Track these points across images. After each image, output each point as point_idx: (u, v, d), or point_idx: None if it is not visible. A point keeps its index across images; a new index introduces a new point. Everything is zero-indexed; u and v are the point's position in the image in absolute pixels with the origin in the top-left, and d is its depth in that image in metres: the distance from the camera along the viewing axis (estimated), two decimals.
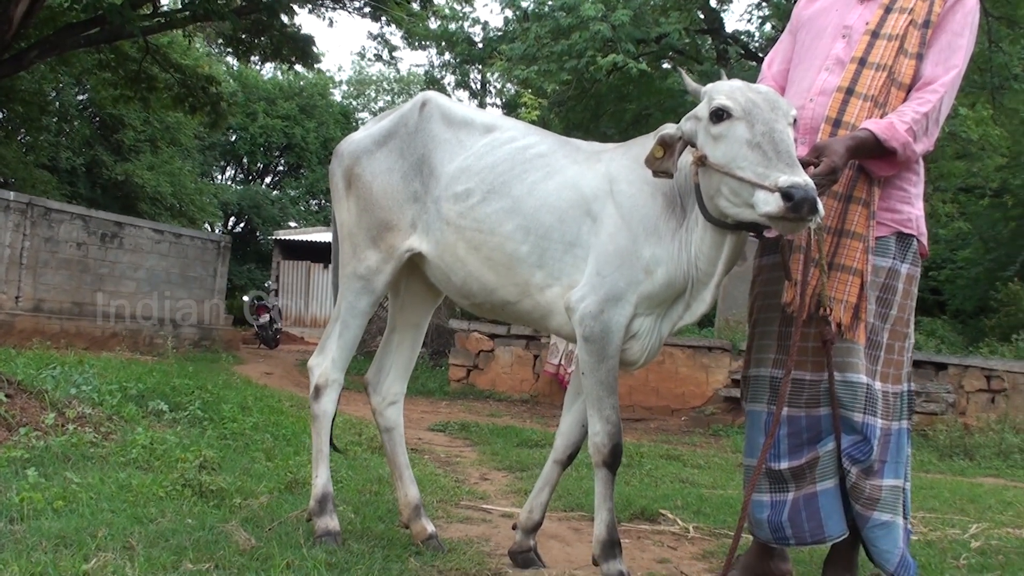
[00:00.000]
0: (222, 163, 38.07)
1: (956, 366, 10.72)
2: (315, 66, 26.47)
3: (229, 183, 37.88)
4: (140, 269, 15.83)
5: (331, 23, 25.99)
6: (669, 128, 3.14)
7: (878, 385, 3.23)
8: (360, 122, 35.43)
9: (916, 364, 10.79)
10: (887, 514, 3.21)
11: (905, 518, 3.32)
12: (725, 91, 3.00)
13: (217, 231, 35.23)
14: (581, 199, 3.40)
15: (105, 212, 15.88)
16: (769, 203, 2.75)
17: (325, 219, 36.36)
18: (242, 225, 35.82)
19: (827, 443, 3.27)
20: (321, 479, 3.84)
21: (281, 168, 38.68)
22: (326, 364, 3.89)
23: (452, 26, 17.11)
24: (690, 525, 4.86)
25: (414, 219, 3.72)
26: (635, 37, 11.72)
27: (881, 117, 3.23)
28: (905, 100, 3.25)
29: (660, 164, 3.10)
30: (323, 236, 30.87)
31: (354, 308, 3.84)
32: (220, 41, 23.46)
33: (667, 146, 3.09)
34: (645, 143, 3.34)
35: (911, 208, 3.33)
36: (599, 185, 3.39)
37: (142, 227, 16.16)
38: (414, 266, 3.84)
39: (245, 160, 37.20)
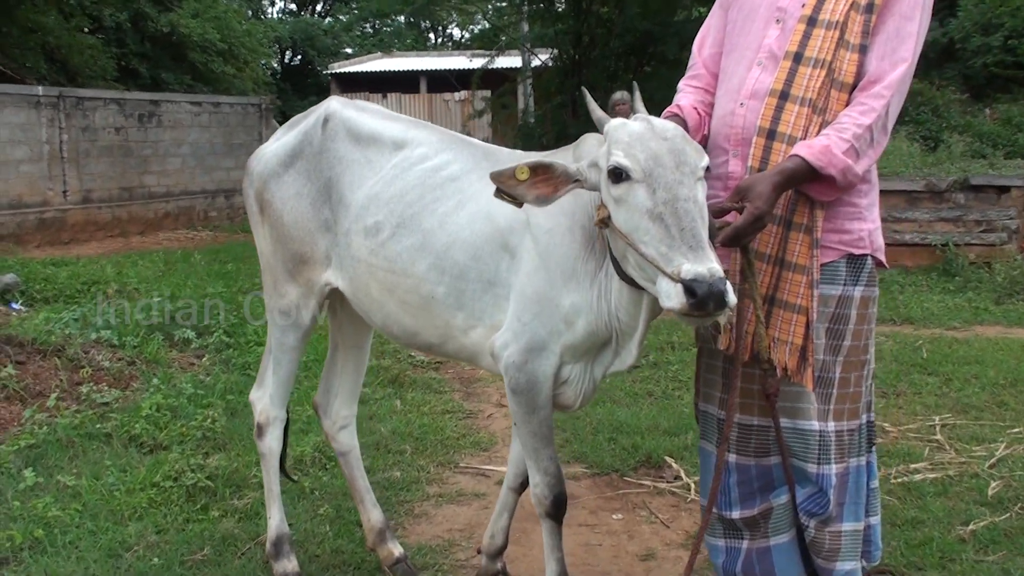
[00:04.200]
0: None
1: (1021, 188, 10.00)
2: None
3: (280, 16, 37.11)
4: (183, 145, 15.70)
5: None
6: (561, 161, 2.69)
7: (831, 426, 2.89)
8: None
9: (975, 188, 10.13)
10: (850, 562, 2.94)
11: (867, 558, 3.06)
12: (624, 144, 2.52)
13: (275, 66, 34.84)
14: (496, 232, 3.04)
15: (139, 92, 15.67)
16: (672, 297, 2.35)
17: (381, 43, 35.59)
18: (299, 58, 35.28)
19: (780, 494, 2.98)
20: (274, 521, 3.71)
21: None
22: (265, 401, 3.70)
23: None
24: (692, 481, 4.66)
25: (328, 250, 3.40)
26: None
27: (821, 124, 2.76)
28: (848, 103, 2.77)
29: (514, 187, 2.64)
30: (378, 64, 30.27)
31: (283, 344, 3.60)
32: None
33: (540, 174, 2.65)
34: (567, 159, 2.94)
35: (863, 224, 2.88)
36: (515, 215, 3.00)
37: (179, 101, 15.93)
38: None
39: None
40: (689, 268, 2.33)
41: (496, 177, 2.65)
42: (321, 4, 37.86)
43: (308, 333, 3.63)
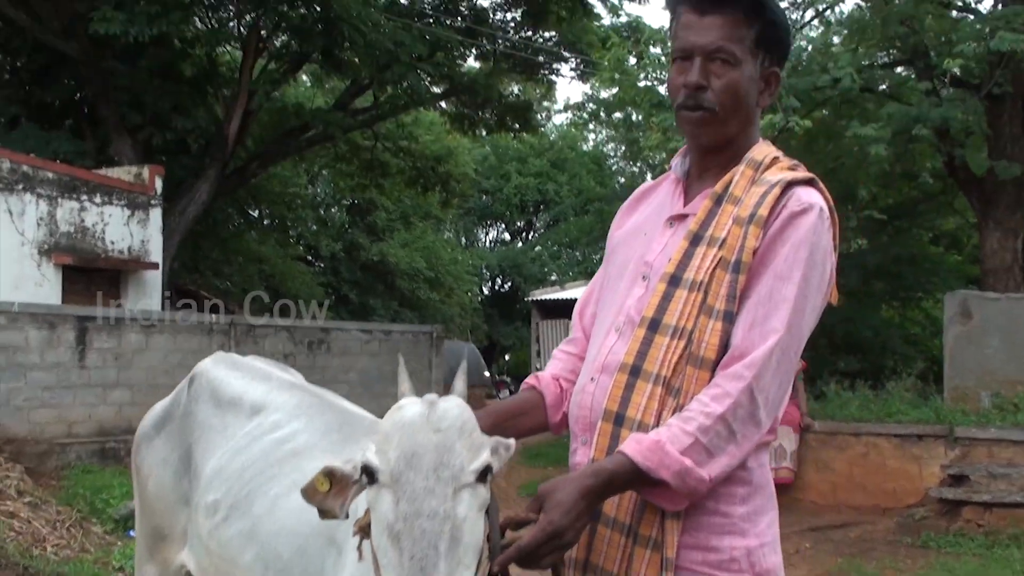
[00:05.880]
0: (486, 224, 38.85)
1: None
2: (538, 130, 26.56)
3: (493, 244, 38.56)
4: (350, 371, 15.94)
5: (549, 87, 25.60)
6: (340, 464, 2.16)
7: None
8: (614, 169, 35.05)
9: None
10: None
11: None
12: (383, 436, 1.88)
13: (484, 292, 35.88)
14: (323, 523, 2.53)
15: (309, 322, 16.08)
16: None
17: (585, 271, 36.05)
18: (507, 285, 36.24)
19: None
20: None
21: (539, 224, 38.92)
22: None
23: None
24: None
25: (185, 527, 3.00)
26: (799, 88, 10.24)
27: (675, 409, 2.13)
28: (709, 384, 2.14)
29: (323, 502, 2.02)
30: (578, 292, 30.47)
31: None
32: (444, 121, 23.95)
33: (337, 481, 2.11)
34: None
35: (737, 539, 2.14)
36: None
37: (349, 330, 16.32)
38: None
39: (505, 220, 37.80)
40: None
41: (304, 494, 2.06)
42: (531, 233, 39.09)
43: None
